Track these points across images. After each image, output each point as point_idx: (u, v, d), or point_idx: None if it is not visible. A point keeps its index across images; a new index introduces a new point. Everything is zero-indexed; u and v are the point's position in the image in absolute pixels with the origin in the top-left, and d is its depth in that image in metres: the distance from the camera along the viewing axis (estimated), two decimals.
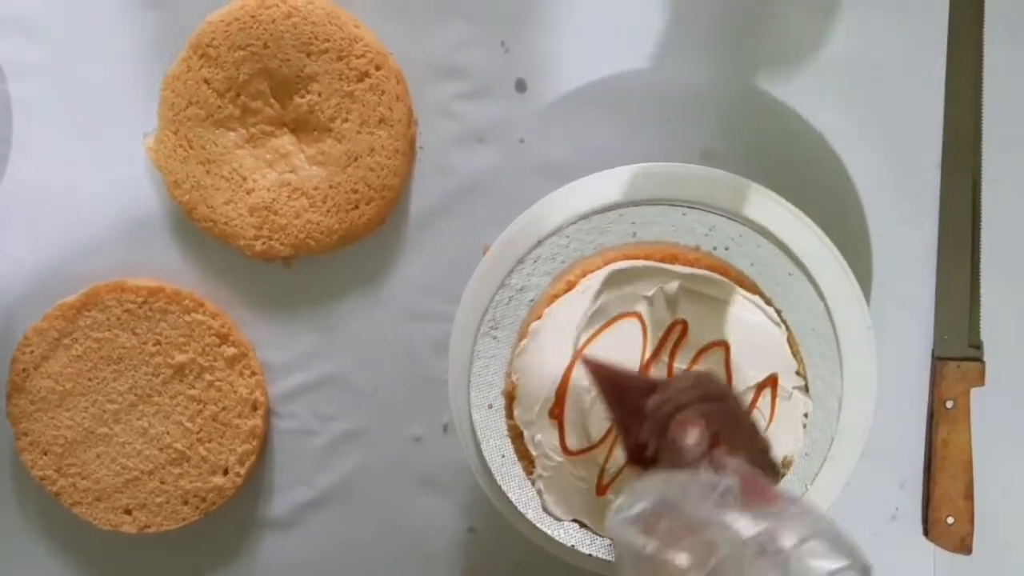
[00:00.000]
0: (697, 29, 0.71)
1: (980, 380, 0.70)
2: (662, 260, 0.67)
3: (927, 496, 0.72)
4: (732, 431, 0.54)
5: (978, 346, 0.71)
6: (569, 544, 0.69)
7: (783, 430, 0.67)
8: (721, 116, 0.71)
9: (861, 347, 0.68)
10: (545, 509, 0.69)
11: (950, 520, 0.71)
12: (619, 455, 0.67)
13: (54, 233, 0.73)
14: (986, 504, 0.71)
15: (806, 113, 0.71)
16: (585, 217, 0.67)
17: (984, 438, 0.71)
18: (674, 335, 0.67)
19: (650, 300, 0.67)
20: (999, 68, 0.71)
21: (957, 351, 0.71)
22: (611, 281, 0.67)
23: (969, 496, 0.71)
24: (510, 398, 0.68)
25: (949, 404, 0.71)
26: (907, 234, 0.71)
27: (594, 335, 0.67)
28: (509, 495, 0.69)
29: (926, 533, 0.72)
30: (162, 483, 0.72)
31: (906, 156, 0.71)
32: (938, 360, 0.71)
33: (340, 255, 0.73)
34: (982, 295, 0.71)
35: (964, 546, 0.71)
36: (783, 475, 0.68)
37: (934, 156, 0.71)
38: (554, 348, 0.67)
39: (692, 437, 0.51)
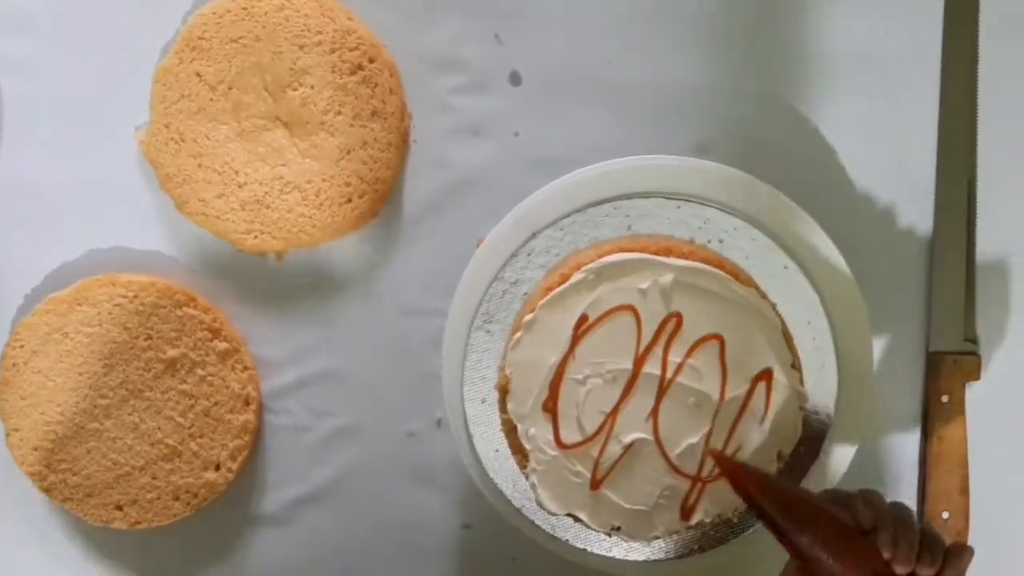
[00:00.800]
0: (693, 23, 0.71)
1: (976, 374, 0.70)
2: (657, 253, 0.67)
3: (922, 491, 0.72)
4: None
5: (974, 340, 0.71)
6: (564, 539, 0.69)
7: (779, 423, 0.67)
8: (717, 110, 0.71)
9: (856, 341, 0.68)
10: (539, 503, 0.68)
11: (946, 515, 0.71)
12: (614, 449, 0.67)
13: (44, 227, 0.73)
14: (982, 499, 0.71)
15: (801, 107, 0.71)
16: (580, 210, 0.67)
17: (980, 433, 0.71)
18: (669, 328, 0.67)
19: (644, 293, 0.67)
20: (994, 66, 0.70)
21: (952, 345, 0.71)
22: (605, 274, 0.67)
23: (965, 491, 0.70)
24: (504, 392, 0.68)
25: (944, 399, 0.70)
26: (903, 227, 0.71)
27: (589, 328, 0.67)
28: (503, 490, 0.68)
29: None
30: (153, 479, 0.72)
31: (902, 150, 0.71)
32: (933, 354, 0.71)
33: (333, 249, 0.72)
34: (977, 289, 0.71)
35: (960, 541, 0.71)
36: (779, 469, 0.68)
37: (930, 150, 0.71)
38: (548, 341, 0.67)
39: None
